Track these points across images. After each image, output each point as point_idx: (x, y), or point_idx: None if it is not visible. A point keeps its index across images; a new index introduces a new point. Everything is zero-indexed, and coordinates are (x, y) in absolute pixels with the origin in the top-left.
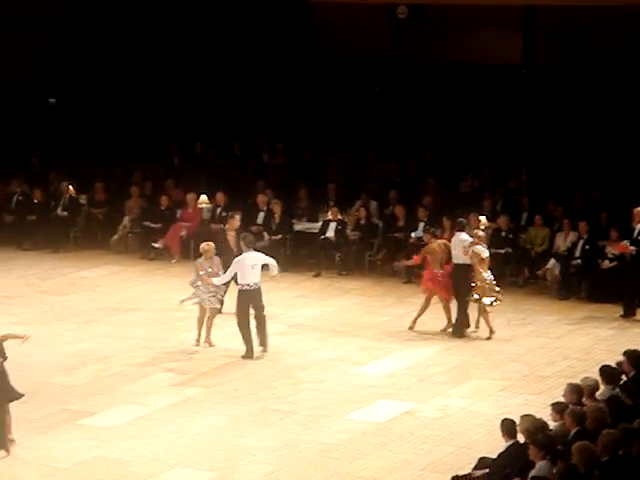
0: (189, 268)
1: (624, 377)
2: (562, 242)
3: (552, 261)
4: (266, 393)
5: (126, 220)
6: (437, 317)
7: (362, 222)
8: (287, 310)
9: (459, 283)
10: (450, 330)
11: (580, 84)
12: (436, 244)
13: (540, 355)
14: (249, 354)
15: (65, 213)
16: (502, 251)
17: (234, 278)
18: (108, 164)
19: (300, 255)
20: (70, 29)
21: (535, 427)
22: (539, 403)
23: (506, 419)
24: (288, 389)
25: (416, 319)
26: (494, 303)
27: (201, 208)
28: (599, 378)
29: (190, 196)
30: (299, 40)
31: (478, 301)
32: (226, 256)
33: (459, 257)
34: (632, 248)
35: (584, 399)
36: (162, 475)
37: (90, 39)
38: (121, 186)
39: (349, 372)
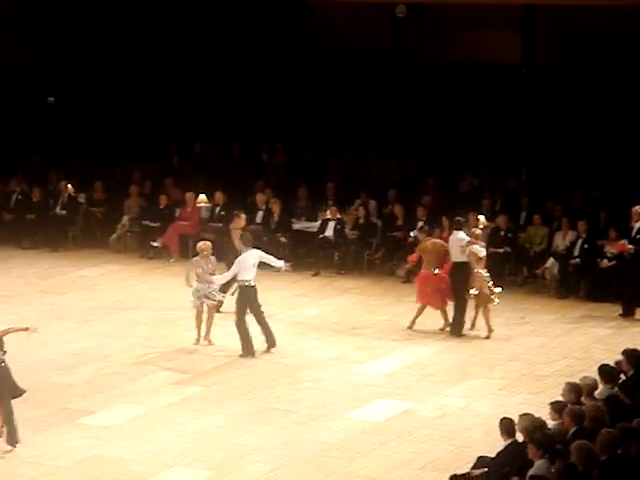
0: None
1: (623, 376)
2: (561, 241)
3: (551, 260)
4: (265, 392)
5: (125, 219)
6: (436, 317)
7: (361, 221)
8: (286, 309)
9: (457, 281)
10: (448, 329)
11: (579, 83)
12: (430, 243)
13: (539, 354)
14: (247, 352)
15: (64, 212)
16: (501, 250)
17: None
18: (107, 163)
19: (299, 254)
20: (69, 28)
21: (534, 426)
22: (538, 402)
23: (505, 418)
24: (287, 388)
25: (415, 318)
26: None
27: (200, 207)
28: (598, 377)
29: (189, 195)
30: (298, 39)
31: (477, 297)
32: (232, 255)
33: (457, 256)
34: (630, 247)
35: (583, 398)
36: (161, 474)
37: (89, 38)
38: (120, 185)
39: (348, 371)
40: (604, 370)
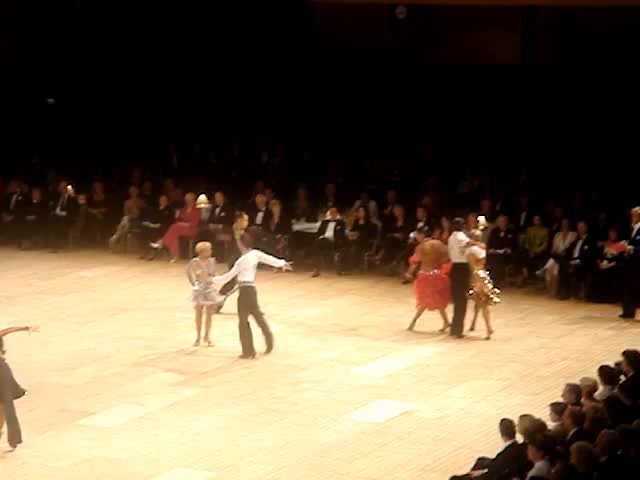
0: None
1: (623, 377)
2: (561, 242)
3: (551, 261)
4: (265, 393)
5: (125, 220)
6: (436, 318)
7: (361, 222)
8: (286, 310)
9: (457, 282)
10: (448, 330)
11: (579, 84)
12: (428, 244)
13: (539, 355)
14: (247, 354)
15: (64, 213)
16: (501, 251)
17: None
18: (107, 164)
19: (299, 255)
20: (69, 29)
21: (534, 427)
22: (538, 403)
23: (505, 419)
24: (287, 389)
25: (415, 320)
26: (495, 300)
27: (200, 208)
28: (598, 378)
29: (189, 196)
30: (298, 40)
31: (476, 297)
32: (236, 255)
33: (457, 256)
34: (630, 248)
35: (583, 399)
36: (161, 475)
37: (89, 39)
38: (120, 186)
39: (348, 372)
40: (604, 371)
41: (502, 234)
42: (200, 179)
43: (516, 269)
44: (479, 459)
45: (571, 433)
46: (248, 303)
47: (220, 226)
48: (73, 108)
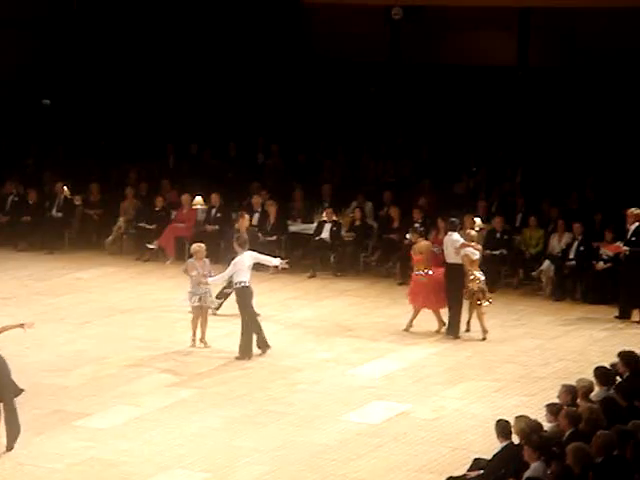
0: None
1: (618, 378)
2: (557, 243)
3: (547, 262)
4: (261, 394)
5: (121, 221)
6: (432, 319)
7: (357, 223)
8: (282, 311)
9: (451, 283)
10: (444, 330)
11: (574, 86)
12: (423, 244)
13: (535, 356)
14: (243, 355)
15: (60, 214)
16: (497, 252)
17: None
18: (103, 165)
19: (295, 256)
20: (65, 30)
21: (530, 428)
22: (534, 404)
23: (501, 420)
24: (283, 390)
25: (411, 320)
26: (484, 303)
27: (196, 209)
28: (594, 379)
29: (185, 197)
30: (294, 41)
31: (470, 296)
32: (232, 255)
33: (451, 257)
34: (625, 249)
35: (579, 400)
36: (157, 476)
37: (85, 40)
38: (116, 187)
39: (344, 373)
40: (600, 372)
41: (498, 235)
42: (196, 180)
43: (512, 270)
44: (475, 460)
45: (567, 434)
46: (246, 302)
47: (216, 227)
48: (69, 109)
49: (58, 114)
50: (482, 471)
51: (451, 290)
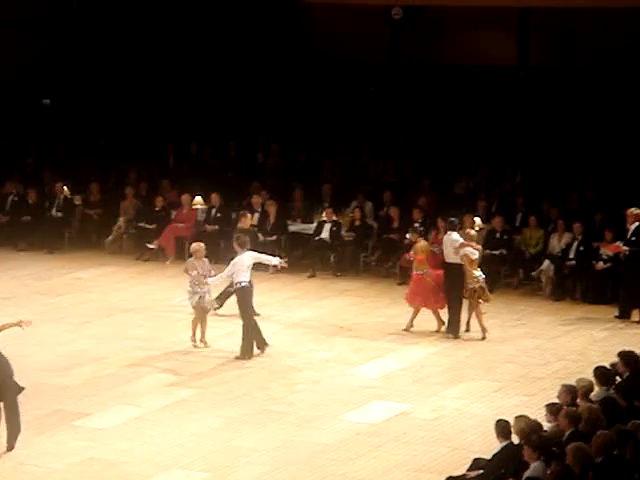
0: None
1: (618, 378)
2: (557, 243)
3: (546, 262)
4: (261, 394)
5: (121, 221)
6: (432, 318)
7: (357, 223)
8: (282, 311)
9: (451, 282)
10: (443, 330)
11: (574, 86)
12: (424, 244)
13: (534, 356)
14: (243, 355)
15: (60, 214)
16: (497, 252)
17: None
18: (103, 165)
19: (295, 256)
20: (65, 30)
21: (529, 428)
22: (533, 404)
23: (500, 420)
24: (283, 390)
25: (411, 320)
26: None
27: (196, 209)
28: (593, 379)
29: (185, 197)
30: (294, 41)
31: (470, 296)
32: (232, 255)
33: (451, 257)
34: (625, 248)
35: (578, 400)
36: (157, 476)
37: (85, 39)
38: (116, 187)
39: (344, 373)
40: (600, 372)
41: (498, 235)
42: (196, 180)
43: (512, 270)
44: (475, 460)
45: (567, 434)
46: (246, 302)
47: (216, 227)
48: (69, 108)
49: (58, 114)
50: (482, 471)
51: (451, 290)
